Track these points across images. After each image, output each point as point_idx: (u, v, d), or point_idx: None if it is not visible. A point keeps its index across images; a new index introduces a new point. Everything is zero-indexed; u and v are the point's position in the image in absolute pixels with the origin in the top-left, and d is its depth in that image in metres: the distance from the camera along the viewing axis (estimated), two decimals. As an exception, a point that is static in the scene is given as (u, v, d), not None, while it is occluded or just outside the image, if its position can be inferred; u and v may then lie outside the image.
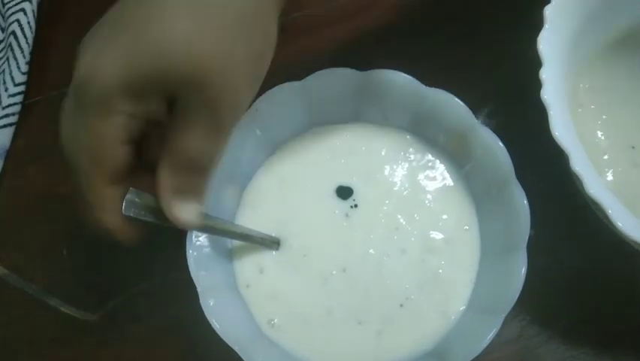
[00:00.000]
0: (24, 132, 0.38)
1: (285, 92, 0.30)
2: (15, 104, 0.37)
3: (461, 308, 0.28)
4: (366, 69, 0.30)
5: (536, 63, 0.28)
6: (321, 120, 0.32)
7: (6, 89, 0.37)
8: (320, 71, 0.30)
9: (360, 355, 0.28)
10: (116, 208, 0.25)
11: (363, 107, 0.31)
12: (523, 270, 0.26)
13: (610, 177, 0.31)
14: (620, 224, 0.25)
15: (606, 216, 0.26)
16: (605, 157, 0.31)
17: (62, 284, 0.34)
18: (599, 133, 0.32)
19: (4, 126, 0.37)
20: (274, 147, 0.32)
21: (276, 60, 0.38)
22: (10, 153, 0.37)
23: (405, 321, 0.29)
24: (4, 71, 0.38)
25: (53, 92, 0.39)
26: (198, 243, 0.28)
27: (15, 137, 0.37)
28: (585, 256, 0.32)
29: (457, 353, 0.26)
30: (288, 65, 0.37)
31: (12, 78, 0.37)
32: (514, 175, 0.28)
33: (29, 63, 0.38)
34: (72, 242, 0.35)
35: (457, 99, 0.29)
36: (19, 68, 0.38)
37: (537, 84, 0.28)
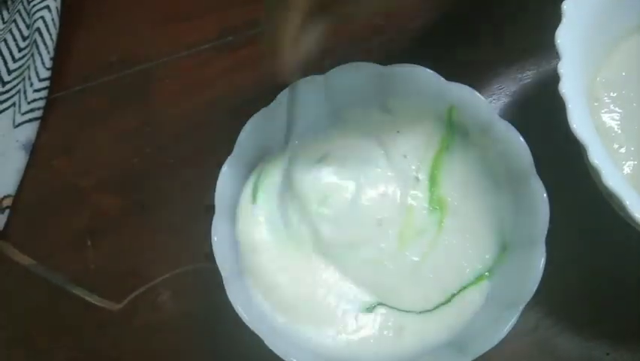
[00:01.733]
0: (48, 127, 0.38)
1: (309, 85, 0.30)
2: (40, 99, 0.38)
3: (480, 300, 0.29)
4: (387, 63, 0.31)
5: (554, 57, 0.29)
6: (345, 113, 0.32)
7: (31, 84, 0.38)
8: (343, 65, 0.30)
9: (380, 347, 0.29)
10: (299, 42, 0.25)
11: (385, 101, 0.32)
12: (542, 263, 0.26)
13: (627, 170, 0.31)
14: (638, 215, 0.25)
15: (623, 208, 0.26)
16: (622, 150, 0.31)
17: (86, 275, 0.34)
18: (616, 126, 0.32)
19: (30, 120, 0.38)
20: (298, 137, 0.32)
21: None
22: (36, 147, 0.38)
23: (425, 313, 0.29)
24: (29, 66, 0.39)
25: (77, 87, 0.39)
26: (222, 231, 0.29)
27: (40, 131, 0.38)
28: (600, 249, 0.32)
29: (476, 343, 0.26)
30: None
31: (37, 74, 0.38)
32: (534, 169, 0.28)
33: (53, 59, 0.39)
34: (96, 234, 0.35)
35: (477, 94, 0.29)
36: (43, 63, 0.39)
37: (555, 78, 0.28)
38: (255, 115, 0.30)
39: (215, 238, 0.28)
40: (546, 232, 0.27)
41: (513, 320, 0.26)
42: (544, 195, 0.27)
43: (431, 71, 0.30)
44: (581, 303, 0.32)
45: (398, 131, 0.32)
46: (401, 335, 0.29)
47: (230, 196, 0.30)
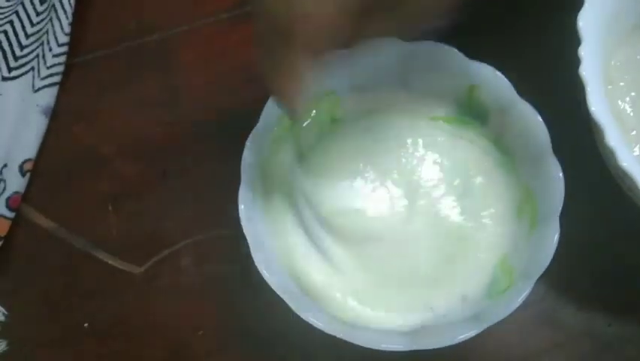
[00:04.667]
0: (67, 92, 0.39)
1: (333, 60, 0.31)
2: (59, 64, 0.38)
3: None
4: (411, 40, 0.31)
5: (571, 39, 0.29)
6: (366, 91, 0.33)
7: (50, 49, 0.38)
8: (368, 41, 0.31)
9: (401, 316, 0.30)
10: (303, 78, 0.24)
11: (406, 77, 0.32)
12: (556, 238, 0.28)
13: (636, 152, 0.32)
14: (651, 196, 0.27)
15: (636, 189, 0.27)
16: (633, 133, 0.33)
17: (108, 239, 0.35)
18: (628, 109, 0.33)
19: (50, 85, 0.38)
20: None
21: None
22: (55, 112, 0.38)
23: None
24: (47, 31, 0.39)
25: (95, 54, 0.40)
26: (248, 199, 0.29)
27: (59, 96, 0.38)
28: (608, 227, 0.34)
29: (490, 312, 0.28)
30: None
31: (56, 38, 0.38)
32: (551, 149, 0.29)
33: (72, 24, 0.39)
34: (117, 199, 0.36)
35: (499, 73, 0.30)
36: (62, 28, 0.39)
37: (570, 60, 0.29)
38: None
39: (242, 207, 0.29)
40: (560, 210, 0.28)
41: (527, 292, 0.27)
42: (560, 174, 0.29)
43: (455, 49, 0.30)
44: (586, 277, 0.33)
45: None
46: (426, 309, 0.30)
47: (256, 166, 0.30)
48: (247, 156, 0.30)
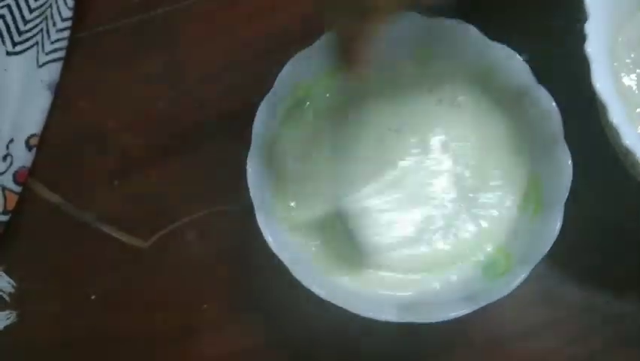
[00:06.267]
0: (71, 67, 0.39)
1: None
2: (63, 39, 0.38)
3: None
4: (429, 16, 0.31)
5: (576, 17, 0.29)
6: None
7: (54, 24, 0.38)
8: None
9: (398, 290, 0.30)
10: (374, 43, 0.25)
11: (422, 53, 0.32)
12: (558, 226, 0.28)
13: (641, 130, 0.32)
14: (653, 174, 0.27)
15: (638, 166, 0.27)
16: (639, 110, 0.32)
17: (114, 214, 0.36)
18: (634, 87, 0.33)
19: (54, 60, 0.38)
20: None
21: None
22: (60, 87, 0.38)
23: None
24: (51, 5, 0.39)
25: (99, 28, 0.39)
26: (257, 162, 0.30)
27: (63, 71, 0.38)
28: (609, 206, 0.34)
29: (485, 294, 0.28)
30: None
31: (59, 13, 0.38)
32: (562, 136, 0.29)
33: (75, -2, 0.39)
34: (122, 174, 0.36)
35: (518, 56, 0.30)
36: (66, 3, 0.38)
37: (575, 38, 0.29)
38: (298, 54, 0.30)
39: (249, 170, 0.29)
40: (566, 197, 0.28)
41: (523, 276, 0.28)
42: (569, 161, 0.28)
43: (476, 29, 0.30)
44: (586, 254, 0.34)
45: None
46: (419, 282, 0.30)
47: (266, 133, 0.30)
48: (258, 122, 0.30)
